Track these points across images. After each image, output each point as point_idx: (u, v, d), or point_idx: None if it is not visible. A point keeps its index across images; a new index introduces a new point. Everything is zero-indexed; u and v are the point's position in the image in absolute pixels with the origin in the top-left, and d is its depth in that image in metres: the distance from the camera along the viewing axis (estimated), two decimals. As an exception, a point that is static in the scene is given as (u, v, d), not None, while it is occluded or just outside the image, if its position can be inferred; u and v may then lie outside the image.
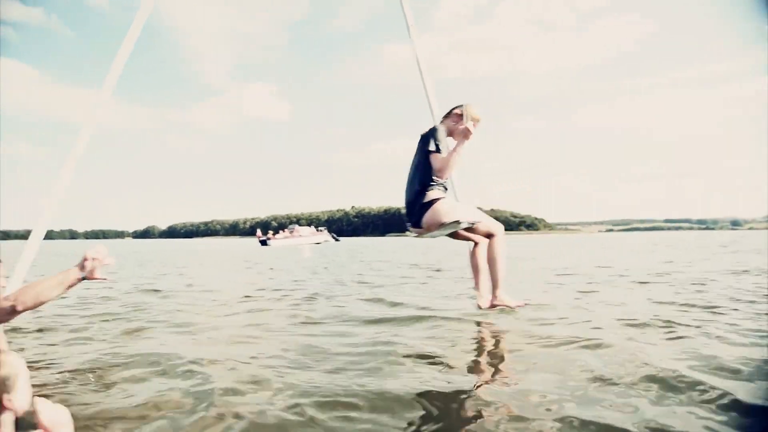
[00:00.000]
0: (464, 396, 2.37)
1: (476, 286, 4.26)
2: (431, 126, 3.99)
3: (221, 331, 4.03)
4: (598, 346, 3.21)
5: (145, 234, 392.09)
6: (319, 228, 78.26)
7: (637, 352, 3.01)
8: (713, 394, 2.26)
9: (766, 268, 9.72)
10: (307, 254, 23.11)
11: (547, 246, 31.81)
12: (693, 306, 4.91)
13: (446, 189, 3.97)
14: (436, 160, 3.80)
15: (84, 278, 1.94)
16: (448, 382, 2.63)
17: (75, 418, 1.57)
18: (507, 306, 4.06)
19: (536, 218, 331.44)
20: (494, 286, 4.07)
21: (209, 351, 3.32)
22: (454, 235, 4.16)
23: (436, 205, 3.78)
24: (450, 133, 3.98)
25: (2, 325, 2.04)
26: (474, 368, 2.89)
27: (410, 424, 2.06)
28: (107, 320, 4.58)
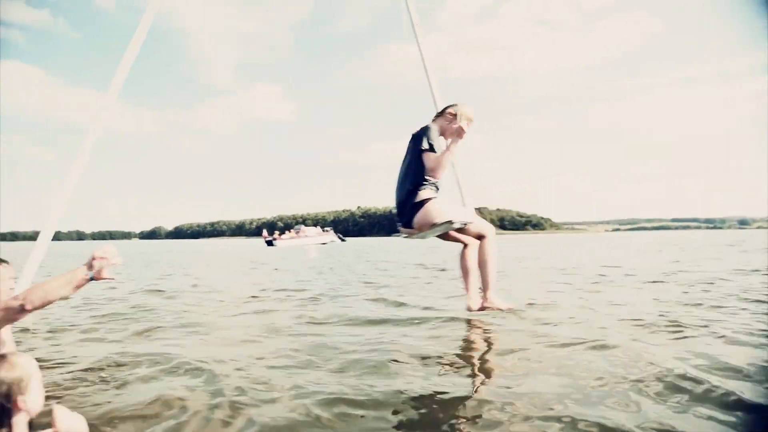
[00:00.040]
0: (468, 397, 2.38)
1: (466, 289, 4.16)
2: (423, 125, 3.93)
3: (228, 332, 4.05)
4: (603, 346, 3.20)
5: (152, 235, 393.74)
6: (325, 228, 78.40)
7: (642, 353, 3.00)
8: (719, 395, 2.25)
9: (774, 267, 9.65)
10: (313, 255, 23.14)
11: (553, 246, 31.69)
12: (700, 306, 4.88)
13: (438, 189, 3.91)
14: (429, 159, 3.74)
15: (92, 279, 1.94)
16: (453, 383, 2.63)
17: (85, 418, 1.59)
18: (497, 308, 3.99)
19: (542, 218, 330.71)
20: (485, 288, 4.00)
21: (217, 351, 3.34)
22: (445, 237, 4.08)
23: (428, 205, 3.72)
24: (442, 133, 3.91)
25: (10, 326, 2.06)
26: (478, 369, 2.89)
27: (414, 425, 2.07)
28: (115, 321, 4.61)
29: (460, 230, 3.92)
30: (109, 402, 2.31)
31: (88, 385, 2.60)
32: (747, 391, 2.27)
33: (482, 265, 3.99)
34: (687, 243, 30.95)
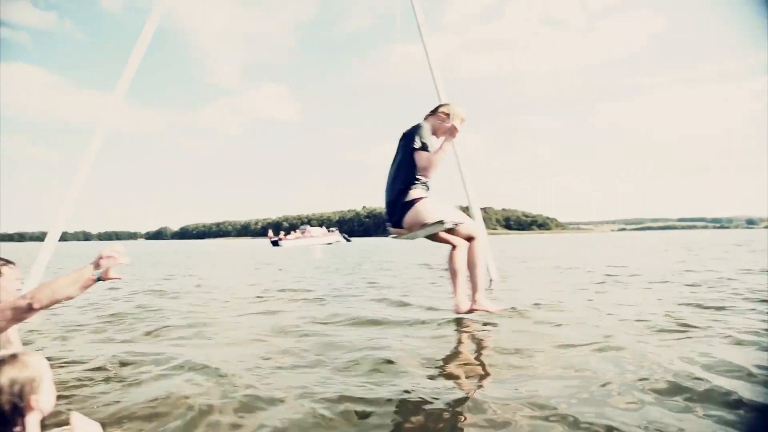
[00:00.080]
0: (472, 397, 2.38)
1: (454, 290, 4.07)
2: (414, 124, 3.87)
3: (234, 332, 4.07)
4: (608, 347, 3.20)
5: (158, 235, 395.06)
6: (331, 228, 78.40)
7: (648, 354, 2.99)
8: (724, 396, 2.25)
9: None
10: (319, 255, 23.17)
11: (559, 246, 31.59)
12: (706, 306, 4.86)
13: (428, 188, 3.86)
14: (421, 158, 3.69)
15: (99, 279, 1.95)
16: (457, 383, 2.64)
17: (94, 417, 1.60)
18: (486, 311, 3.92)
19: (548, 218, 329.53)
20: (474, 290, 3.93)
21: (223, 351, 3.37)
22: (434, 237, 4.01)
23: (418, 205, 3.67)
24: (434, 132, 3.86)
25: (17, 326, 2.08)
26: (482, 369, 2.90)
27: (417, 425, 2.08)
28: (122, 321, 4.64)
29: (449, 231, 3.86)
30: (117, 402, 2.34)
31: (96, 385, 2.62)
32: (751, 392, 2.27)
33: (471, 266, 3.92)
34: (693, 243, 30.78)
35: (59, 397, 1.67)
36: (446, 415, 2.17)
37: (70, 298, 1.93)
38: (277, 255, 24.17)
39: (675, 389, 2.36)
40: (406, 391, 2.46)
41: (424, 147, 3.69)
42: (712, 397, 2.25)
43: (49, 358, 2.95)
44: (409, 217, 3.69)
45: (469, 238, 3.92)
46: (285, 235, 62.13)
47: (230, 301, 6.05)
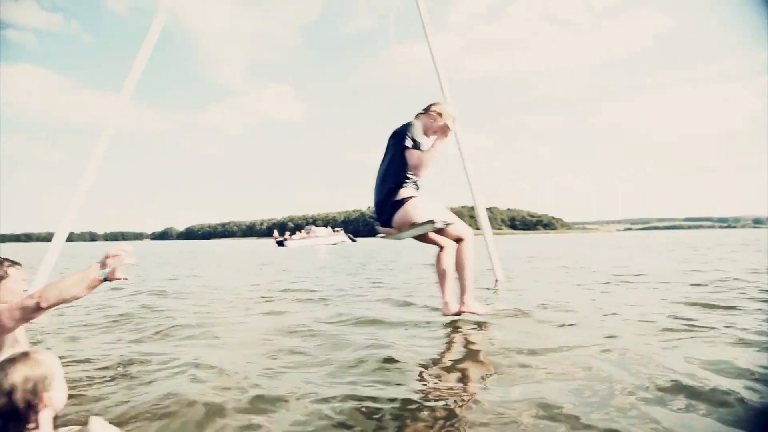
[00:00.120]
0: (476, 398, 2.39)
1: (442, 293, 4.02)
2: (405, 122, 3.83)
3: (240, 332, 4.09)
4: (613, 348, 3.20)
5: (164, 235, 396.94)
6: (336, 228, 78.48)
7: (653, 355, 2.98)
8: (728, 398, 2.25)
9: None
10: (324, 255, 23.20)
11: (564, 245, 31.50)
12: (712, 307, 4.84)
13: (418, 188, 3.82)
14: (412, 156, 3.65)
15: (106, 279, 1.96)
16: (460, 385, 2.65)
17: (103, 417, 1.61)
18: (475, 313, 3.91)
19: (553, 217, 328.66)
20: (462, 292, 3.89)
21: (230, 351, 3.39)
22: (422, 238, 3.96)
23: (408, 204, 3.63)
24: (425, 131, 3.83)
25: (24, 326, 2.09)
26: (486, 370, 2.90)
27: (421, 426, 2.08)
28: (128, 322, 4.67)
29: (438, 232, 3.81)
30: (125, 402, 2.36)
31: (104, 385, 2.65)
32: (757, 394, 2.27)
33: (460, 268, 3.87)
34: (700, 242, 30.62)
35: (69, 397, 1.68)
36: (451, 415, 2.18)
37: (76, 297, 1.94)
38: (282, 255, 24.21)
39: (680, 390, 2.36)
40: (412, 392, 2.46)
41: (416, 145, 3.67)
42: (717, 398, 2.24)
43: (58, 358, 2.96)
44: (398, 216, 3.66)
45: (458, 240, 3.87)
46: (290, 235, 62.26)
47: (236, 302, 6.07)
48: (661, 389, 2.38)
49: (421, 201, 3.68)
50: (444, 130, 3.69)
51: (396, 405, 2.28)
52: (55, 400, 1.47)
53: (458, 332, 3.93)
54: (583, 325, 4.06)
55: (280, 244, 54.65)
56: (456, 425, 2.06)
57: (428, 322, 4.28)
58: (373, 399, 2.35)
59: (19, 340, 2.18)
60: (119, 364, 3.03)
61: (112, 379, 2.75)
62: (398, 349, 3.31)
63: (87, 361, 3.14)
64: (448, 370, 2.92)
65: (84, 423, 1.56)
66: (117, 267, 1.98)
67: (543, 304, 5.13)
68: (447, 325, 4.13)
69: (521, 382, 2.61)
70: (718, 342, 3.36)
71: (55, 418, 1.48)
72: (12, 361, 1.44)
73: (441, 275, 3.98)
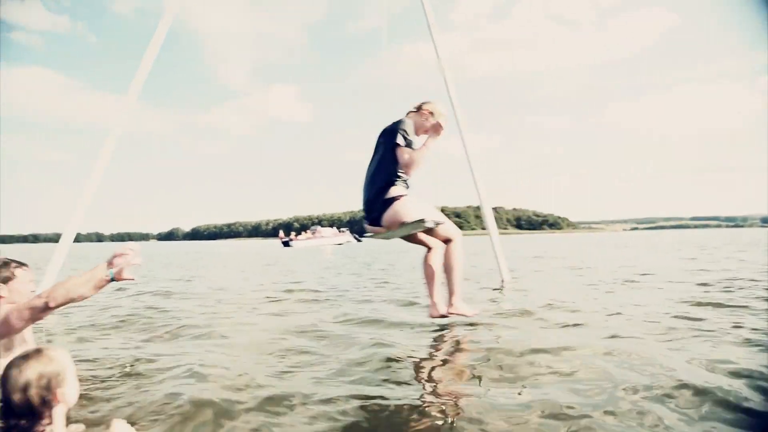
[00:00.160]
0: (481, 398, 2.39)
1: (430, 294, 3.96)
2: (396, 120, 3.79)
3: (246, 333, 4.11)
4: (618, 348, 3.20)
5: (170, 236, 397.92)
6: (341, 229, 78.45)
7: (657, 355, 2.98)
8: (735, 399, 2.25)
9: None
10: (329, 255, 23.22)
11: (570, 245, 31.39)
12: (719, 307, 4.82)
13: (408, 186, 3.78)
14: (404, 154, 3.61)
15: (113, 279, 1.97)
16: (462, 386, 2.66)
17: (112, 418, 1.63)
18: (463, 315, 3.86)
19: (559, 217, 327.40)
20: (450, 293, 3.83)
21: (237, 352, 3.41)
22: (410, 238, 3.91)
23: (399, 202, 3.58)
24: (416, 129, 3.80)
25: (31, 326, 2.11)
26: (492, 370, 2.90)
27: (426, 427, 2.08)
28: (135, 322, 4.70)
29: (427, 232, 3.77)
30: (133, 402, 2.38)
31: (112, 386, 2.67)
32: (760, 395, 2.26)
33: (448, 269, 3.82)
34: (707, 242, 30.44)
35: (79, 397, 1.70)
36: (458, 414, 2.18)
37: (84, 297, 1.96)
38: (288, 256, 24.25)
39: (685, 391, 2.36)
40: (418, 391, 2.47)
41: (407, 144, 3.64)
42: (722, 399, 2.24)
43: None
44: (388, 215, 3.61)
45: (447, 240, 3.82)
46: (296, 235, 62.38)
47: (243, 302, 6.09)
48: (666, 389, 2.38)
49: (412, 200, 3.64)
50: (436, 129, 3.67)
51: (403, 404, 2.29)
52: (68, 395, 1.49)
53: (463, 332, 3.93)
54: (588, 325, 4.05)
55: (286, 244, 54.70)
56: (462, 424, 2.06)
57: (433, 322, 4.28)
58: (381, 398, 2.36)
59: (27, 340, 2.20)
60: (127, 364, 3.05)
61: (121, 380, 2.77)
62: (404, 349, 3.32)
63: (95, 361, 3.17)
64: (454, 369, 2.92)
65: (95, 424, 1.58)
66: (124, 267, 1.99)
67: (549, 304, 5.13)
68: (451, 326, 4.13)
69: (527, 382, 2.61)
70: (723, 342, 3.35)
71: (67, 417, 1.50)
72: (25, 357, 1.47)
73: (429, 276, 3.92)
